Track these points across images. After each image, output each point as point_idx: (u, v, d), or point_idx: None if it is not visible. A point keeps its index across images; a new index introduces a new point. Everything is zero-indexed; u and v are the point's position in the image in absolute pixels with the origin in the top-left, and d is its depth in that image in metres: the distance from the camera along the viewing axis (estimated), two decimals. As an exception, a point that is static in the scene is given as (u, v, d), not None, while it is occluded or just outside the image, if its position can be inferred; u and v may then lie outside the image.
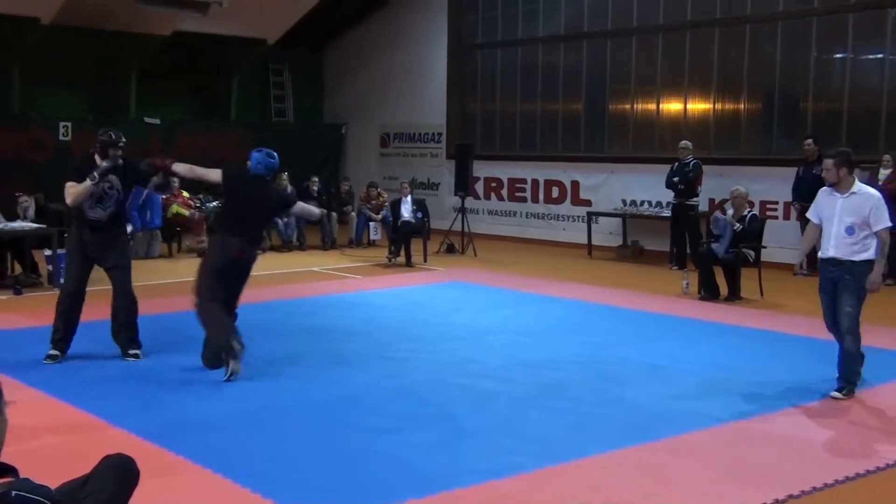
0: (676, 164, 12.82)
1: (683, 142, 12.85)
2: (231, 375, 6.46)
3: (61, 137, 15.23)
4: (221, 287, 6.81)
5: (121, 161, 7.13)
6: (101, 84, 16.64)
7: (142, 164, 7.39)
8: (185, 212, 13.77)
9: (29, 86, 15.50)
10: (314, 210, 8.33)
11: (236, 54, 17.81)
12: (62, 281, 7.33)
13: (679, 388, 6.49)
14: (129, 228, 13.01)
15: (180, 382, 6.45)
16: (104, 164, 7.00)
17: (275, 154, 7.07)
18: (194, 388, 6.32)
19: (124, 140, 7.21)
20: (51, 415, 5.67)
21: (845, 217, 6.30)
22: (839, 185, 6.36)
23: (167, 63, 16.80)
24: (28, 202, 11.94)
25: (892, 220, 6.43)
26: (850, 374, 6.39)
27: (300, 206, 7.85)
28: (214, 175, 7.11)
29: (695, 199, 12.63)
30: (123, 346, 7.17)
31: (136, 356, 7.12)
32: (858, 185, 6.39)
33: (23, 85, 15.43)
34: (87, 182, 6.91)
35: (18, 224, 10.90)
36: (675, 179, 12.68)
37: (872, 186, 6.97)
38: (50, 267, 10.47)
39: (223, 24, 15.83)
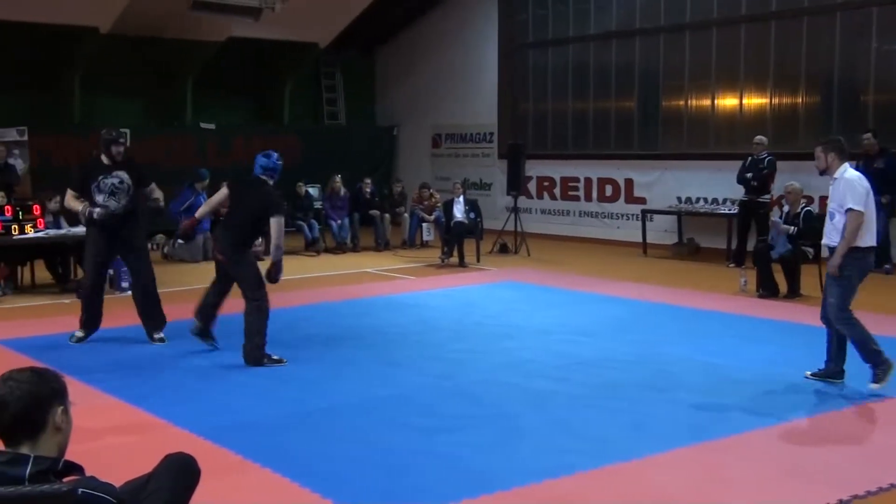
0: (749, 159, 12.42)
1: (758, 137, 12.44)
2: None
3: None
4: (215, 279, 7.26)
5: (119, 174, 7.51)
6: (159, 91, 16.96)
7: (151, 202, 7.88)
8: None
9: (89, 95, 15.85)
10: (278, 239, 7.13)
11: (289, 58, 18.01)
12: (85, 275, 7.94)
13: (737, 386, 6.40)
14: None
15: (240, 383, 6.54)
16: (95, 214, 7.40)
17: (273, 153, 7.25)
18: (253, 388, 6.40)
19: (125, 137, 7.72)
20: (114, 415, 5.78)
21: (830, 203, 6.35)
22: (828, 172, 6.36)
23: (222, 69, 17.06)
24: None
25: None
26: (871, 358, 6.20)
27: (274, 222, 7.01)
28: (222, 192, 7.29)
29: (766, 195, 12.30)
30: (149, 329, 7.63)
31: (161, 340, 7.48)
32: (841, 171, 6.31)
33: (83, 94, 15.79)
34: (80, 208, 7.46)
35: (81, 229, 11.14)
36: (748, 175, 12.31)
37: None
38: (111, 271, 10.68)
39: (276, 29, 16.01)
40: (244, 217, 7.14)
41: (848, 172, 6.31)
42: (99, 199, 7.45)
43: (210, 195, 13.55)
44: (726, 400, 6.05)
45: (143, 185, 7.74)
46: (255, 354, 6.93)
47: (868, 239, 6.21)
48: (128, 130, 15.54)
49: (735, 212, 12.96)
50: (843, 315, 6.24)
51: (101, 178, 7.48)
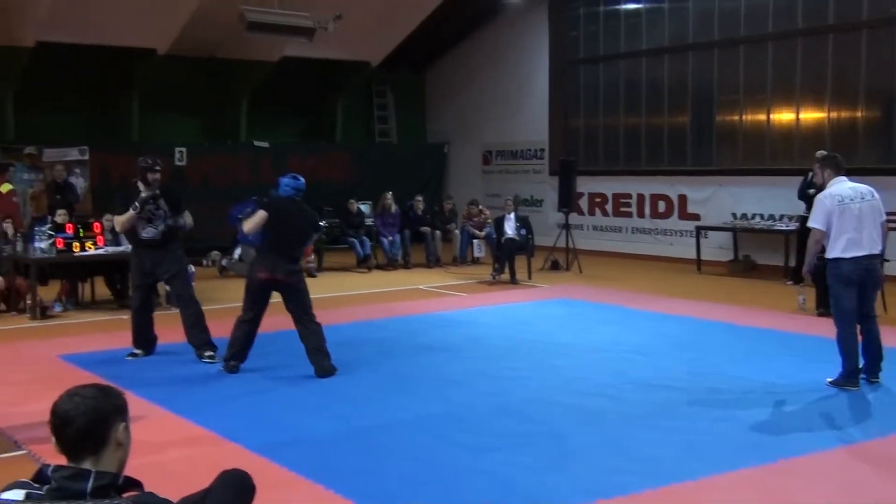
0: (811, 174, 12.24)
1: (819, 152, 12.12)
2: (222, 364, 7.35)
3: (177, 162, 15.83)
4: (252, 306, 7.28)
5: (157, 191, 7.74)
6: (214, 110, 17.26)
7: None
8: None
9: (147, 114, 16.19)
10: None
11: (341, 77, 18.21)
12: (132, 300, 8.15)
13: (796, 407, 6.28)
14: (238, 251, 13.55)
15: (292, 399, 6.59)
16: (143, 193, 7.65)
17: (300, 177, 7.52)
18: (306, 405, 6.44)
19: (160, 165, 7.87)
20: (169, 429, 5.86)
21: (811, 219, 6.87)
22: (825, 187, 6.85)
23: (275, 87, 17.31)
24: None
25: None
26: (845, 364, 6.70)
27: (314, 238, 8.18)
28: (258, 217, 7.33)
29: None
30: (198, 348, 7.72)
31: (210, 358, 7.60)
32: (830, 185, 6.78)
33: (141, 113, 16.13)
34: (130, 211, 7.60)
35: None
36: (811, 192, 12.10)
37: None
38: (168, 287, 10.85)
39: (328, 48, 16.21)
40: (295, 236, 7.32)
41: (829, 188, 6.75)
42: (138, 226, 7.70)
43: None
44: (786, 421, 5.94)
45: (178, 211, 7.92)
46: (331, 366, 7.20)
47: (837, 250, 6.59)
48: (184, 148, 15.92)
49: (793, 228, 12.74)
50: (836, 316, 6.78)
51: (140, 204, 7.70)
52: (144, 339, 7.93)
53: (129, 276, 8.21)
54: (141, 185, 7.77)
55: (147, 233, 7.74)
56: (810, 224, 6.78)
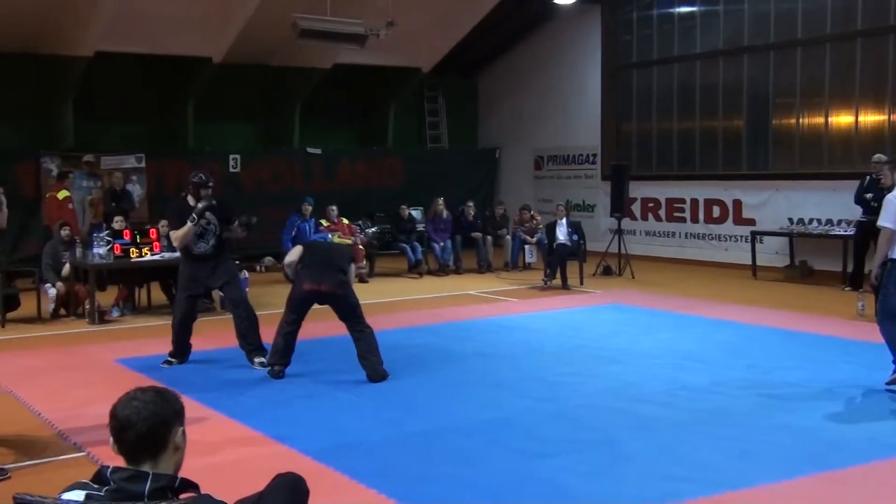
0: (868, 178, 11.81)
1: (877, 155, 11.62)
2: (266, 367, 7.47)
3: (231, 169, 16.05)
4: (292, 314, 7.40)
5: (213, 201, 7.84)
6: (267, 117, 17.47)
7: (241, 219, 8.14)
8: (347, 241, 14.17)
9: (201, 121, 16.44)
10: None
11: (393, 83, 18.31)
12: (174, 310, 8.19)
13: (855, 415, 6.15)
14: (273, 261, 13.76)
15: (345, 404, 6.63)
16: (200, 205, 7.73)
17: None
18: (359, 409, 6.47)
19: (213, 181, 8.02)
20: (226, 433, 5.93)
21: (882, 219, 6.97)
22: (892, 189, 7.06)
23: (327, 94, 17.47)
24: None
25: None
26: None
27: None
28: (297, 250, 7.63)
29: None
30: (249, 353, 7.77)
31: (262, 364, 7.63)
32: None
33: (196, 121, 16.39)
34: (189, 224, 7.67)
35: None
36: (868, 196, 11.72)
37: None
38: (222, 293, 10.99)
39: (380, 55, 16.30)
40: (338, 257, 7.51)
41: None
42: (191, 241, 7.79)
43: (316, 220, 14.03)
44: (845, 429, 5.81)
45: (228, 224, 8.02)
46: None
47: None
48: (238, 155, 16.14)
49: (851, 233, 12.49)
50: (878, 319, 6.93)
51: (197, 216, 7.79)
52: (183, 348, 8.02)
53: (178, 285, 8.25)
54: (191, 200, 7.87)
55: (199, 248, 7.84)
56: (881, 223, 6.81)
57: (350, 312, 7.34)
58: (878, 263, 6.90)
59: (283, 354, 7.38)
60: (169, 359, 7.99)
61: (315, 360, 7.59)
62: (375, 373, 7.20)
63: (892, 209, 6.74)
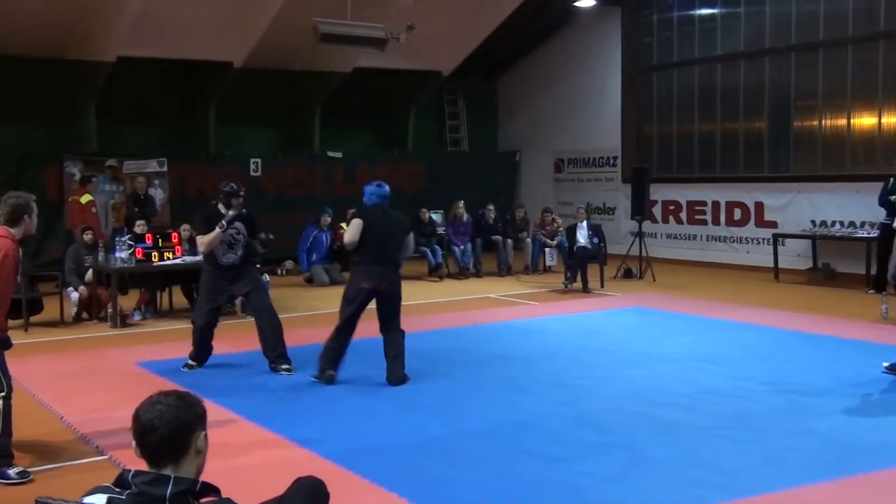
0: (892, 180, 11.88)
1: None
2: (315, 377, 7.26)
3: (252, 173, 16.11)
4: (351, 315, 7.24)
5: (244, 210, 7.86)
6: (288, 121, 17.53)
7: (259, 236, 8.14)
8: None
9: (223, 126, 16.52)
10: (411, 244, 7.73)
11: (413, 87, 18.34)
12: (195, 318, 8.09)
13: (879, 419, 6.09)
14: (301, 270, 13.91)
15: (365, 408, 6.63)
16: (230, 213, 7.75)
17: (384, 184, 7.55)
18: (379, 413, 6.48)
19: (244, 191, 8.00)
20: (247, 436, 5.95)
21: None
22: None
23: (348, 98, 17.51)
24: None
25: None
26: None
27: (410, 237, 7.62)
28: (355, 225, 7.30)
29: None
30: (273, 361, 7.74)
31: (287, 370, 7.61)
32: None
33: (218, 125, 16.47)
34: (217, 230, 7.66)
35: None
36: (893, 198, 11.73)
37: None
38: (242, 297, 11.03)
39: (400, 58, 16.33)
40: (395, 244, 7.34)
41: None
42: (218, 251, 7.79)
43: (335, 230, 14.11)
44: (868, 433, 5.75)
45: (255, 234, 8.04)
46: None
47: None
48: (259, 159, 16.21)
49: (874, 235, 12.39)
50: None
51: (226, 223, 7.79)
52: (204, 353, 8.01)
53: (200, 293, 8.19)
54: (221, 208, 7.89)
55: (227, 258, 7.82)
56: None
57: (394, 310, 7.31)
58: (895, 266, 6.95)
59: (336, 358, 7.27)
60: (189, 362, 8.00)
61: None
62: (396, 377, 7.19)
63: None
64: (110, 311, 10.49)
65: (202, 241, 7.83)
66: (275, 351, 7.76)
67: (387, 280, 7.21)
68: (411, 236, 7.54)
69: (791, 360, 7.96)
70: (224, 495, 2.52)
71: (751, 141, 15.48)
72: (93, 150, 14.99)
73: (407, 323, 7.50)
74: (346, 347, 7.33)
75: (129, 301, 10.99)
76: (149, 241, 10.87)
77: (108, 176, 14.25)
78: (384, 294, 7.25)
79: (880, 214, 12.07)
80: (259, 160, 16.30)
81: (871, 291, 11.79)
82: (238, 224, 7.84)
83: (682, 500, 4.64)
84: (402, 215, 7.64)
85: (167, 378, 7.39)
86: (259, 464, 5.39)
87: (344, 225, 14.21)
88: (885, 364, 7.25)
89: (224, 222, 7.71)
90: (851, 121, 14.03)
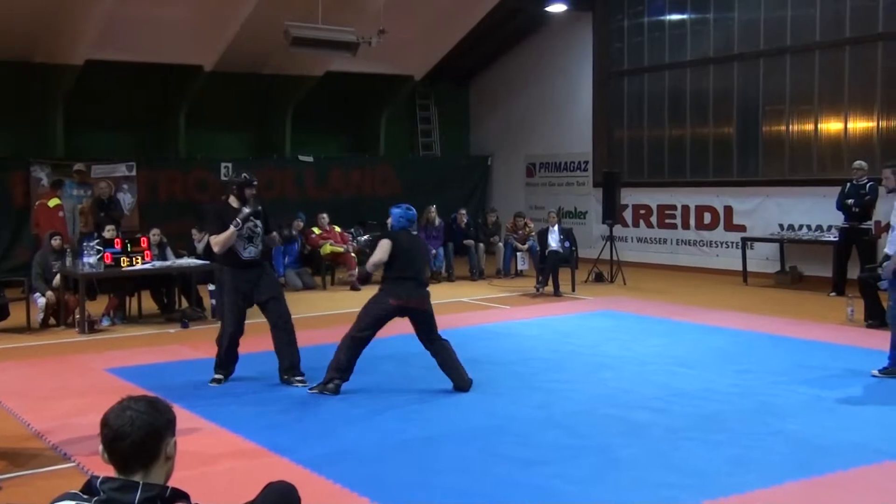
0: (849, 185, 12.11)
1: (858, 162, 12.15)
2: (316, 389, 7.12)
3: (223, 178, 16.00)
4: (371, 328, 7.21)
5: (259, 207, 7.58)
6: (259, 125, 17.46)
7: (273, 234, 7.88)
8: (339, 248, 14.22)
9: (193, 130, 16.42)
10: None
11: (384, 91, 18.33)
12: (223, 322, 7.65)
13: (846, 420, 6.16)
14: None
15: (338, 413, 6.60)
16: (245, 209, 7.41)
17: (412, 208, 7.57)
18: (351, 418, 6.46)
19: (256, 181, 7.70)
20: (217, 442, 5.91)
21: (893, 218, 7.40)
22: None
23: (319, 102, 17.46)
24: (202, 237, 12.78)
25: None
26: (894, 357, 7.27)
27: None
28: (384, 248, 7.21)
29: (868, 222, 11.97)
30: (285, 372, 7.50)
31: (301, 382, 7.41)
32: None
33: (188, 129, 16.36)
34: (231, 228, 7.30)
35: (185, 261, 11.51)
36: (850, 202, 11.98)
37: None
38: (214, 301, 10.98)
39: (372, 62, 16.32)
40: (420, 261, 7.42)
41: None
42: (238, 245, 7.43)
43: (307, 235, 14.08)
44: (834, 434, 5.82)
45: (269, 230, 7.76)
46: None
47: None
48: (230, 164, 16.12)
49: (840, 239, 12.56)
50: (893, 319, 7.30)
51: (242, 221, 7.43)
52: (232, 360, 7.58)
53: (224, 299, 7.64)
54: (234, 202, 7.52)
55: (248, 253, 7.46)
56: None
57: (428, 324, 7.34)
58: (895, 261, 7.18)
59: (346, 369, 7.11)
60: (216, 377, 7.55)
61: (306, 371, 7.54)
62: (462, 381, 7.20)
63: None
64: (77, 317, 10.37)
65: (216, 240, 7.33)
66: (290, 362, 7.49)
67: (415, 297, 7.20)
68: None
69: (759, 363, 8.04)
70: (194, 501, 2.50)
71: (720, 145, 15.63)
72: (60, 154, 14.83)
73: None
74: (356, 357, 7.18)
75: (97, 307, 10.88)
76: (117, 246, 10.75)
77: (76, 181, 14.10)
78: (413, 311, 7.26)
79: (838, 218, 12.28)
80: (230, 164, 16.19)
81: (832, 294, 11.96)
82: (255, 219, 7.51)
83: (654, 501, 4.67)
84: (422, 240, 7.75)
85: (136, 384, 7.31)
86: (230, 470, 5.35)
87: (316, 229, 14.22)
88: (875, 371, 7.42)
89: (239, 220, 7.32)
90: (819, 126, 14.20)
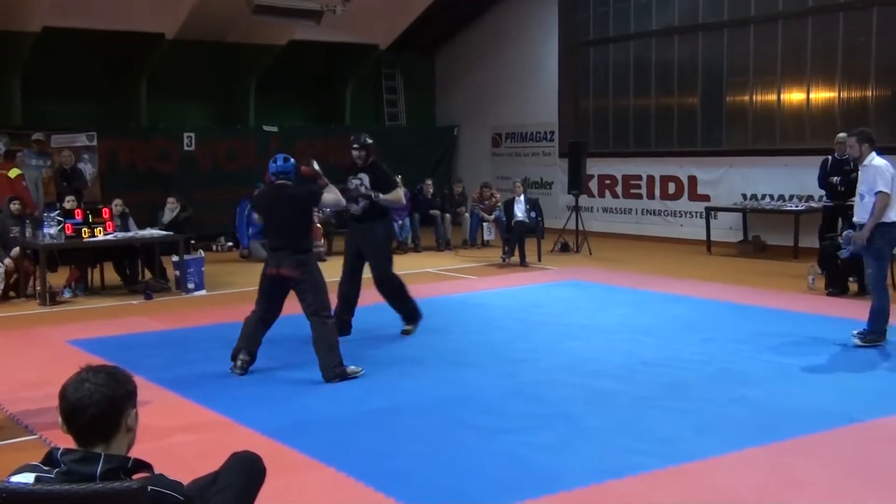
0: (830, 159, 11.04)
1: (841, 134, 10.51)
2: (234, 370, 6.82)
3: (185, 147, 15.82)
4: (261, 300, 6.94)
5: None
6: (222, 94, 17.24)
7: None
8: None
9: (154, 99, 16.17)
10: (340, 198, 7.43)
11: (349, 60, 18.16)
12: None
13: (807, 386, 6.26)
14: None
15: (303, 383, 6.58)
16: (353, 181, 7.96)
17: (279, 158, 7.12)
18: (317, 388, 6.44)
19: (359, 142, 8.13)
20: (180, 413, 5.88)
21: (860, 186, 7.43)
22: (860, 160, 7.46)
23: (284, 71, 17.27)
24: (175, 207, 12.91)
25: None
26: (876, 326, 7.32)
27: (326, 198, 7.21)
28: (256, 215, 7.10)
29: (853, 199, 11.37)
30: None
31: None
32: (870, 158, 7.36)
33: (149, 98, 16.11)
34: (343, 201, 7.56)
35: (148, 232, 11.38)
36: (835, 180, 10.85)
37: None
38: (177, 272, 10.89)
39: (336, 31, 16.15)
40: (287, 224, 6.87)
41: (876, 160, 7.33)
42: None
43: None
44: (795, 400, 5.91)
45: (380, 188, 8.02)
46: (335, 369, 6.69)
47: (893, 215, 7.22)
48: (193, 134, 15.91)
49: (802, 208, 12.70)
50: (880, 284, 7.35)
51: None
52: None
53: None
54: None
55: (353, 210, 7.97)
56: (884, 189, 7.17)
57: (308, 299, 6.70)
58: (870, 227, 7.21)
59: (245, 345, 6.87)
60: (406, 327, 8.24)
61: (271, 341, 7.50)
62: (327, 371, 6.58)
63: (889, 176, 7.19)
64: (38, 288, 10.23)
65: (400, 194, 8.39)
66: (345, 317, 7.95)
67: (286, 265, 6.73)
68: (325, 199, 7.17)
69: (722, 331, 8.13)
70: (157, 472, 2.48)
71: (685, 116, 15.70)
72: (18, 123, 14.54)
73: (344, 297, 7.44)
74: (255, 333, 6.93)
75: (59, 278, 10.73)
76: (79, 217, 10.60)
77: (35, 150, 13.83)
78: (289, 281, 6.78)
79: (808, 188, 12.34)
80: (193, 134, 15.99)
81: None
82: (362, 176, 7.99)
83: (618, 468, 4.71)
84: (301, 190, 7.10)
85: (98, 355, 7.18)
86: (194, 441, 5.33)
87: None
88: (857, 338, 7.39)
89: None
90: (781, 96, 14.31)
